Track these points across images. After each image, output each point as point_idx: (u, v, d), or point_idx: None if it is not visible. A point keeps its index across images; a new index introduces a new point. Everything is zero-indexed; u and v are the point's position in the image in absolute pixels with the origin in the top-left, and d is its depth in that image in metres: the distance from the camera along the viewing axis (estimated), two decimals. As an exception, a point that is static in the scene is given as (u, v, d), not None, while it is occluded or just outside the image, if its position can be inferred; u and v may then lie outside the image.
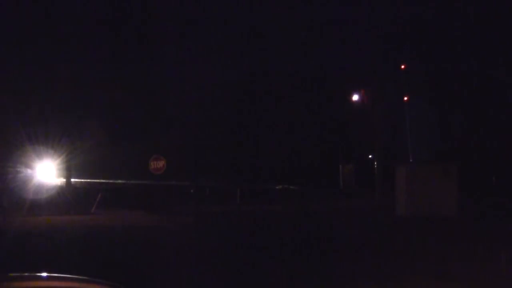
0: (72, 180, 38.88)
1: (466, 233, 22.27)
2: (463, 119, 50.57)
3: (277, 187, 43.00)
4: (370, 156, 46.94)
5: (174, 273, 14.92)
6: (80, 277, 5.01)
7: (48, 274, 4.98)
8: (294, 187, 43.00)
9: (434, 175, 29.50)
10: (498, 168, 47.52)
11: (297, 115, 53.34)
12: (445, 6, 50.07)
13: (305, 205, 35.54)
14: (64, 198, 35.09)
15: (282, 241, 21.35)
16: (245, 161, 49.01)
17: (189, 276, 14.54)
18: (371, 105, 39.47)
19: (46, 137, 38.93)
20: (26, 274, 5.01)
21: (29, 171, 36.98)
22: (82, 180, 42.20)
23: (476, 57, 49.62)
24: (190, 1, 52.57)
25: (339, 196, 43.19)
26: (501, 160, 47.11)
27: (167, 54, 47.35)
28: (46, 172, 37.66)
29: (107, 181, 43.09)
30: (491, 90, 49.55)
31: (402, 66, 40.76)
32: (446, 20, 50.11)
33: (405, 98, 40.76)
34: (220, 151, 47.73)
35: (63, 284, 4.90)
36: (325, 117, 53.72)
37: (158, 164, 32.91)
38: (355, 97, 43.61)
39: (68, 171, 37.80)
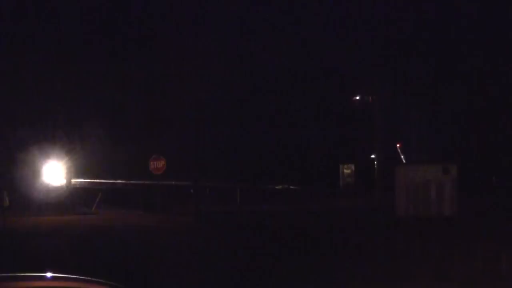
0: (73, 180, 38.87)
1: (466, 233, 22.27)
2: (463, 118, 50.56)
3: (277, 187, 42.96)
4: (371, 156, 46.90)
5: (174, 273, 14.92)
6: (81, 277, 5.02)
7: (50, 274, 4.99)
8: (294, 187, 42.95)
9: (434, 175, 29.49)
10: (498, 168, 47.49)
11: (298, 115, 53.32)
12: (444, 5, 50.09)
13: (305, 205, 35.52)
14: (64, 198, 35.09)
15: (282, 241, 21.36)
16: (245, 161, 48.97)
17: (189, 276, 14.55)
18: (371, 105, 39.52)
19: (47, 138, 38.95)
20: (28, 274, 5.02)
21: (30, 171, 36.98)
22: (82, 180, 42.17)
23: (476, 57, 49.62)
24: (190, 0, 52.59)
25: (339, 196, 43.15)
26: (501, 160, 47.09)
27: (167, 54, 47.34)
28: (47, 172, 37.65)
29: (107, 181, 43.05)
30: (491, 89, 49.54)
31: (398, 145, 41.55)
32: (445, 19, 50.13)
33: (398, 145, 41.47)
34: (220, 151, 47.71)
35: (64, 284, 4.91)
36: (325, 117, 53.69)
37: (158, 164, 32.93)
38: (355, 97, 43.68)
39: (69, 171, 37.80)
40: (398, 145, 41.91)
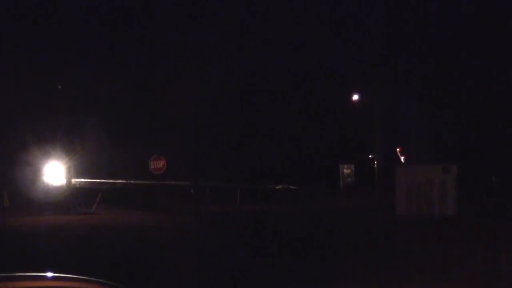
0: (73, 180, 38.88)
1: (466, 233, 22.27)
2: (463, 118, 50.57)
3: (277, 187, 42.96)
4: (370, 156, 46.93)
5: (174, 273, 14.92)
6: (81, 277, 5.02)
7: (50, 274, 4.99)
8: (294, 187, 42.95)
9: (434, 175, 29.50)
10: (498, 168, 47.48)
11: (297, 114, 53.33)
12: (445, 5, 50.10)
13: (305, 205, 35.51)
14: (64, 198, 35.10)
15: (282, 241, 21.35)
16: (245, 161, 48.99)
17: (189, 276, 14.55)
18: (371, 105, 39.49)
19: (47, 138, 38.99)
20: (28, 274, 5.02)
21: (30, 171, 37.01)
22: (82, 180, 42.20)
23: (475, 57, 49.62)
24: (190, 0, 52.57)
25: (339, 196, 43.14)
26: (501, 160, 47.08)
27: (167, 54, 47.36)
28: (47, 172, 37.70)
29: (107, 181, 43.07)
30: (491, 89, 49.54)
31: (398, 149, 41.67)
32: (446, 18, 50.13)
33: (398, 149, 41.52)
34: (220, 151, 47.72)
35: (64, 284, 4.90)
36: (325, 117, 53.70)
37: (158, 164, 32.91)
38: (355, 97, 43.70)
39: (69, 171, 37.83)
40: (398, 149, 42.04)
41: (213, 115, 45.82)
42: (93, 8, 49.84)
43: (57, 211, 32.54)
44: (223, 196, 38.46)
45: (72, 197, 35.62)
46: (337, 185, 49.08)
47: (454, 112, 50.08)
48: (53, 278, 4.96)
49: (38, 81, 43.47)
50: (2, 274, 4.89)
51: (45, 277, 4.98)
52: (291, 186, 42.65)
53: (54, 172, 37.58)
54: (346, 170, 50.29)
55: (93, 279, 5.01)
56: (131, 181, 41.95)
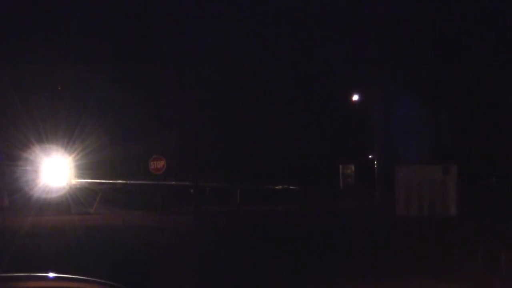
0: (73, 180, 38.87)
1: (466, 233, 22.27)
2: (463, 119, 50.58)
3: (277, 187, 42.96)
4: (370, 156, 46.93)
5: (174, 273, 14.93)
6: (81, 277, 5.02)
7: (50, 274, 5.00)
8: (294, 187, 42.96)
9: (434, 175, 29.51)
10: (498, 168, 47.49)
11: (297, 115, 53.31)
12: (444, 4, 50.11)
13: (305, 205, 35.52)
14: (64, 198, 35.11)
15: (282, 241, 21.36)
16: (245, 161, 48.99)
17: (189, 276, 14.56)
18: (371, 106, 39.54)
19: (47, 138, 39.00)
20: (28, 274, 5.03)
21: (30, 171, 37.01)
22: (82, 180, 42.17)
23: (475, 57, 49.63)
24: (190, 1, 52.60)
25: (339, 196, 43.16)
26: (501, 160, 47.08)
27: (167, 54, 47.35)
28: (47, 172, 37.70)
29: (107, 181, 43.05)
30: (491, 89, 49.55)
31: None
32: (446, 19, 50.14)
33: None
34: (220, 151, 47.70)
35: (64, 284, 4.91)
36: (325, 117, 53.69)
37: (158, 164, 32.89)
38: (355, 98, 43.71)
39: (69, 171, 37.83)
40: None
41: (213, 115, 45.82)
42: (94, 8, 49.90)
43: (57, 211, 32.54)
44: (223, 196, 38.47)
45: (72, 197, 35.63)
46: (337, 185, 49.10)
47: (453, 112, 50.09)
48: (53, 278, 4.97)
49: (39, 81, 43.50)
50: (3, 274, 4.90)
51: (46, 277, 4.99)
52: (291, 187, 42.66)
53: (55, 172, 37.56)
54: (346, 170, 50.30)
55: (93, 279, 5.02)
56: (131, 181, 41.94)
